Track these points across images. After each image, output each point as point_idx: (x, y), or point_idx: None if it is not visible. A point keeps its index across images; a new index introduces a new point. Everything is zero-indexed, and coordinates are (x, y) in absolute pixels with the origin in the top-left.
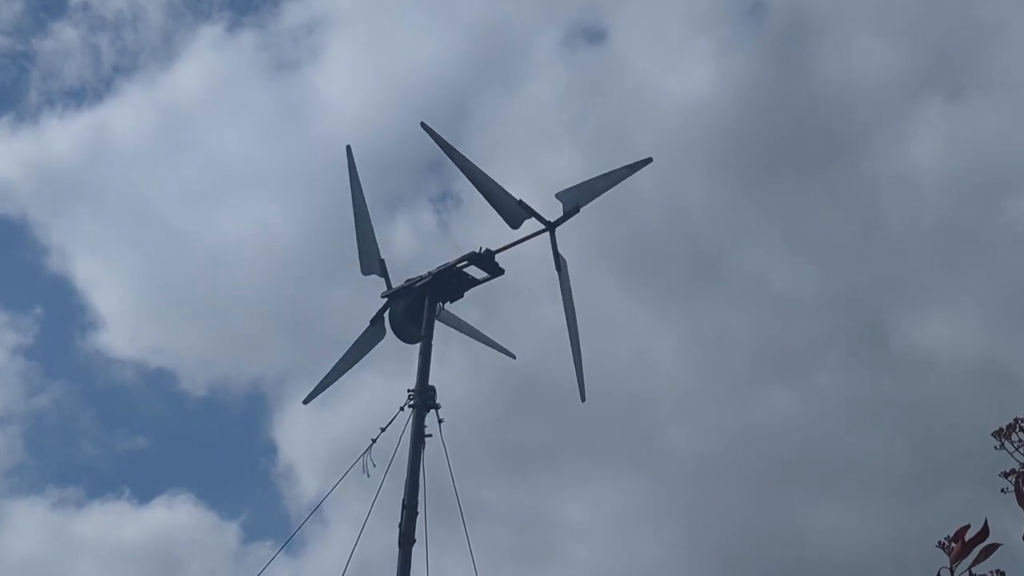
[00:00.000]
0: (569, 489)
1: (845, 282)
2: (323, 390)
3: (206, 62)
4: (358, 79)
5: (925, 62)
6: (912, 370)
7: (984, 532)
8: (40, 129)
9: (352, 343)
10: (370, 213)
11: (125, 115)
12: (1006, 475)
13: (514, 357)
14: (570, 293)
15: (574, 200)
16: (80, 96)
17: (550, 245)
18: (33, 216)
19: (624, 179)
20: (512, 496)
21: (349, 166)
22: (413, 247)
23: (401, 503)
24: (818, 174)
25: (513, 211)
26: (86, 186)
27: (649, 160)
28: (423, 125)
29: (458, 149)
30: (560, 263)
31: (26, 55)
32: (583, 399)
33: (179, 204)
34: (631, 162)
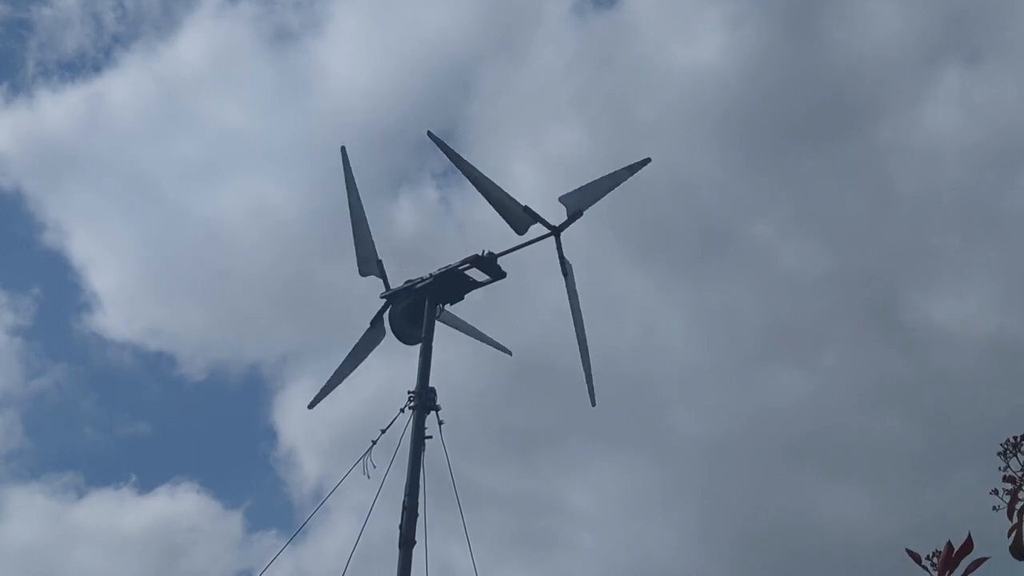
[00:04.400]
0: (574, 473)
1: (856, 257)
2: (326, 395)
3: (206, 31)
4: (361, 49)
5: (940, 26)
6: (925, 347)
7: (968, 545)
8: (36, 100)
9: (353, 346)
10: (365, 211)
11: (123, 86)
12: (1005, 479)
13: (510, 353)
14: (577, 298)
15: (577, 204)
16: (78, 66)
17: (555, 248)
18: (28, 190)
19: (625, 180)
20: (516, 481)
21: (344, 168)
22: (415, 224)
23: (402, 504)
24: (829, 146)
25: (519, 217)
26: (83, 159)
27: (648, 161)
28: (429, 134)
29: (451, 149)
30: (566, 268)
31: (25, 23)
32: (593, 404)
33: (177, 178)
34: (631, 163)
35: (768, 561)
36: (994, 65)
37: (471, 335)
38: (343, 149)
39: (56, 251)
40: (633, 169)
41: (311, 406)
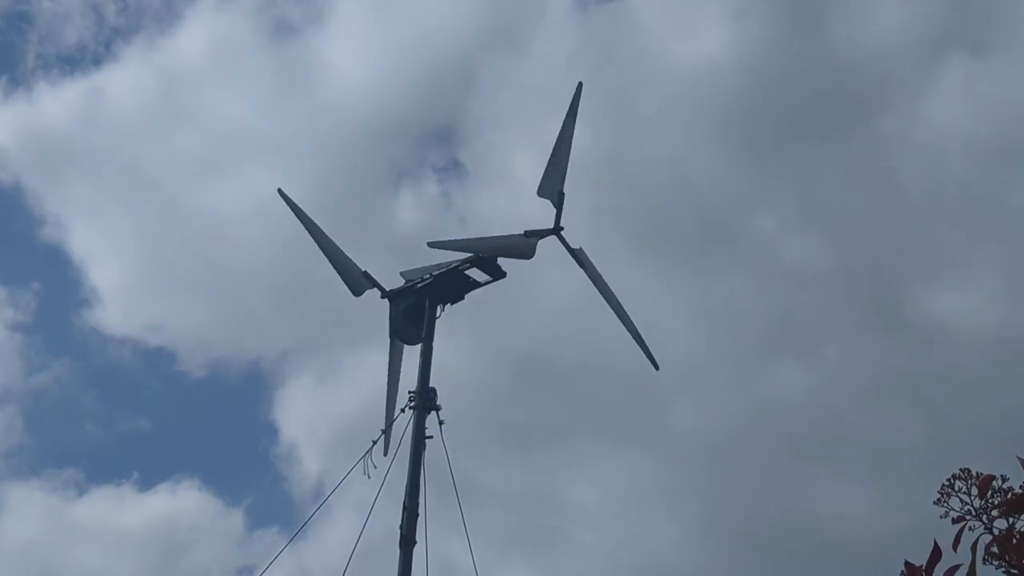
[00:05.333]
0: (575, 471)
1: (859, 252)
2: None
3: (207, 25)
4: (363, 43)
5: (944, 17)
6: (928, 343)
7: (936, 554)
8: (36, 94)
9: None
10: (333, 241)
11: (123, 80)
12: (954, 521)
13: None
14: (601, 278)
15: (552, 188)
16: (77, 60)
17: (554, 248)
18: (28, 184)
19: (572, 130)
20: (517, 479)
21: (292, 208)
22: (416, 218)
23: (402, 504)
24: (832, 139)
25: (357, 281)
26: (83, 153)
27: (580, 84)
28: (280, 192)
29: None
30: (580, 258)
31: (25, 16)
32: (656, 367)
33: (177, 173)
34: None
35: (770, 557)
36: (999, 57)
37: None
38: (280, 191)
39: (56, 246)
40: (573, 108)
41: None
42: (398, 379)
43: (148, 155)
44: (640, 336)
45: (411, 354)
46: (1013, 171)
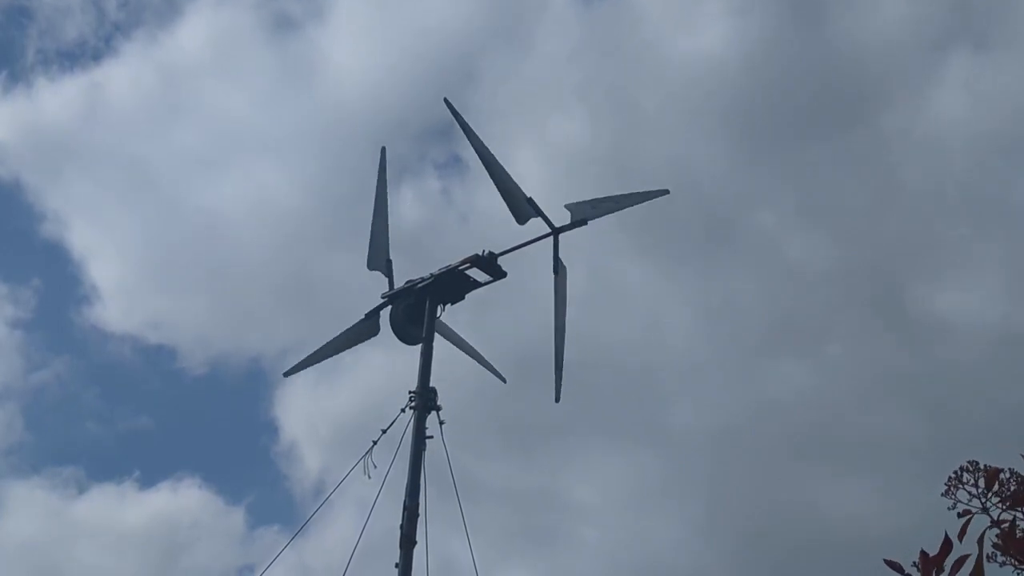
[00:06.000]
0: (576, 468)
1: (861, 249)
2: (303, 368)
3: (207, 19)
4: (364, 38)
5: (946, 11)
6: (930, 340)
7: (947, 546)
8: (36, 89)
9: (345, 329)
10: (389, 214)
11: (123, 75)
12: (960, 515)
13: (504, 381)
14: (564, 298)
15: (583, 213)
16: (77, 55)
17: (552, 249)
18: (27, 180)
19: (637, 203)
20: (518, 476)
21: (380, 166)
22: (418, 215)
23: (403, 504)
24: (834, 136)
25: (521, 207)
26: (83, 149)
27: (666, 192)
28: (446, 101)
29: (466, 123)
30: (559, 268)
31: (26, 11)
32: (557, 400)
33: (177, 169)
34: (647, 190)
35: (772, 556)
36: (1002, 53)
37: (468, 353)
38: (383, 150)
39: (56, 242)
40: (648, 196)
41: (286, 374)
42: (343, 349)
43: (148, 151)
44: (561, 367)
45: (411, 354)
46: (1016, 168)
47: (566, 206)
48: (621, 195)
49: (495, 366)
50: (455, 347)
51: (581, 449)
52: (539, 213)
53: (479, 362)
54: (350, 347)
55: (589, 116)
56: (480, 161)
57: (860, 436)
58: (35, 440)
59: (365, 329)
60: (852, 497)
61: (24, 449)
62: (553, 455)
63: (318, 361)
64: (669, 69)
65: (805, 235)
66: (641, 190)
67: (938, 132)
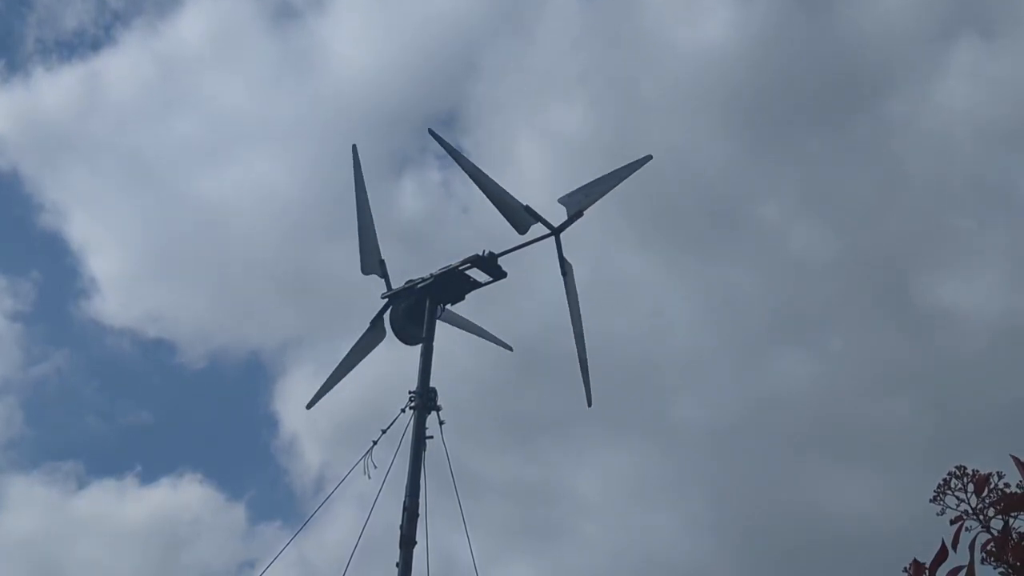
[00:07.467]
0: (578, 462)
1: (865, 240)
2: (324, 394)
3: (207, 9)
4: (365, 28)
5: None
6: (935, 332)
7: (943, 553)
8: (34, 79)
9: (352, 345)
10: (371, 209)
11: (122, 65)
12: (952, 522)
13: (511, 349)
14: (576, 299)
15: (577, 204)
16: (76, 45)
17: (555, 250)
18: (26, 171)
19: (625, 178)
20: (519, 471)
21: (354, 165)
22: (419, 207)
23: (403, 504)
24: (838, 125)
25: (520, 217)
26: (81, 140)
27: (649, 158)
28: (431, 132)
29: (455, 149)
30: (566, 268)
31: (25, 0)
32: (589, 404)
33: (177, 160)
34: (632, 160)
35: (776, 550)
36: (1008, 40)
37: (472, 332)
38: (354, 148)
39: (54, 233)
40: (633, 167)
41: (309, 406)
42: (356, 363)
43: (147, 142)
44: (587, 369)
45: (411, 354)
46: (1021, 158)
47: (559, 200)
48: (607, 174)
49: (496, 360)
50: (460, 330)
51: (582, 443)
52: (538, 219)
53: (485, 338)
54: (362, 359)
55: (591, 106)
56: (474, 183)
57: (864, 427)
58: (35, 434)
59: (373, 337)
60: (856, 488)
61: (24, 443)
62: (554, 449)
63: (335, 383)
64: (671, 59)
65: (809, 226)
66: (625, 170)
67: (943, 122)
